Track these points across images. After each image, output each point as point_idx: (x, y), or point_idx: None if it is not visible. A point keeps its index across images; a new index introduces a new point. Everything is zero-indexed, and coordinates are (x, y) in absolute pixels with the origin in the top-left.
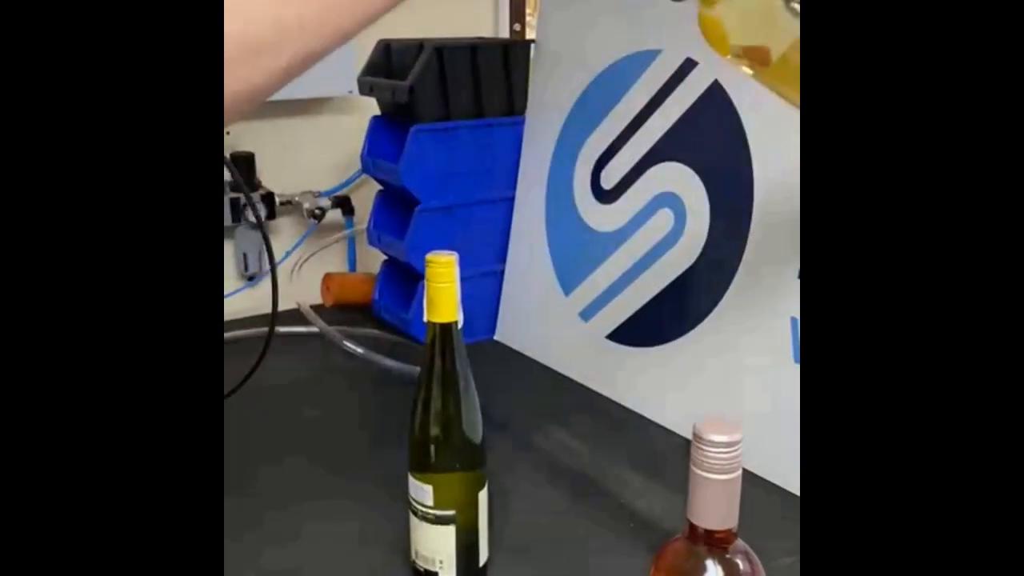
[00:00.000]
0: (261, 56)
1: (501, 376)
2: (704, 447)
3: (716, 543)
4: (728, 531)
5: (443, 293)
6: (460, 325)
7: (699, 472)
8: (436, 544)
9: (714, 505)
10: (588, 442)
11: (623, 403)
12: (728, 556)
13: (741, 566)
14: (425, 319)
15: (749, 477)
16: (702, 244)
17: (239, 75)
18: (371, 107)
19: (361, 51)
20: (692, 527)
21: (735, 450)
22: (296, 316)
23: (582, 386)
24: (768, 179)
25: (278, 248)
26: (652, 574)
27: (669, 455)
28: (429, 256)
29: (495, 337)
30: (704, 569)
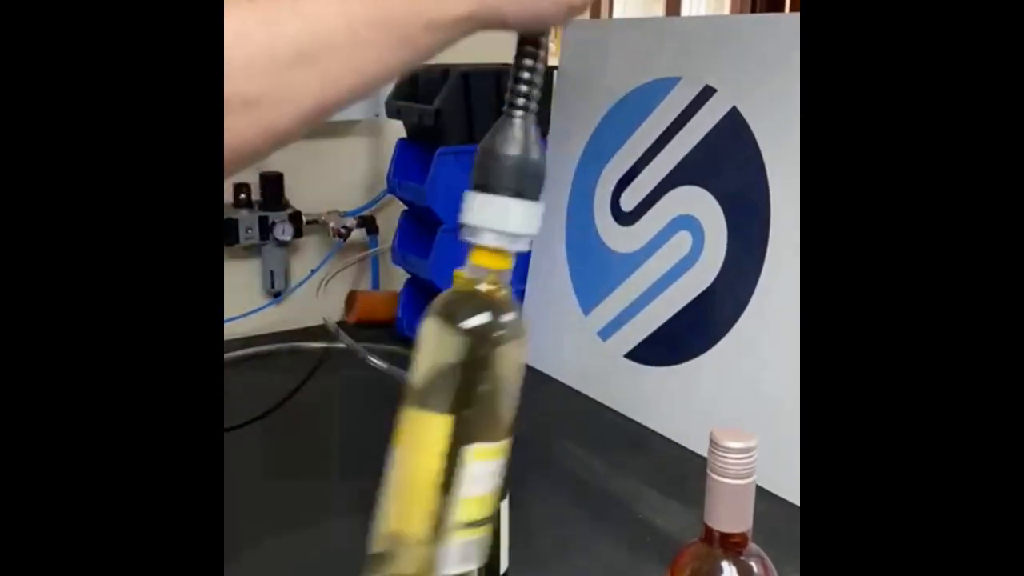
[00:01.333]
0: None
1: (521, 393)
2: (720, 453)
3: (731, 546)
4: (742, 534)
5: None
6: None
7: (715, 477)
8: None
9: (729, 508)
10: (606, 459)
11: (641, 421)
12: (743, 558)
13: (755, 568)
14: None
15: (766, 495)
16: (719, 266)
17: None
18: (397, 130)
19: None
20: (708, 530)
21: (750, 456)
22: (321, 332)
23: (600, 404)
24: (785, 203)
25: (304, 266)
26: (671, 571)
27: (687, 472)
28: (458, 272)
29: None
30: (720, 570)
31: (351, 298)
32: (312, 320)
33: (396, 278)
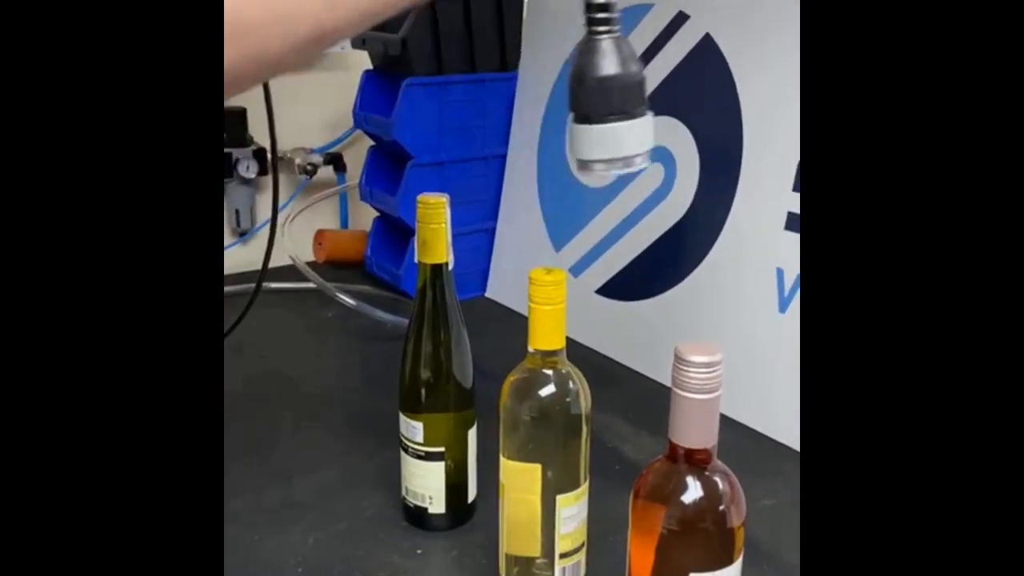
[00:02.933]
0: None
1: (492, 331)
2: (685, 367)
3: (696, 462)
4: (707, 450)
5: (434, 234)
6: (451, 267)
7: (679, 392)
8: (426, 480)
9: (693, 424)
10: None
11: (612, 356)
12: (707, 474)
13: (720, 484)
14: (416, 260)
15: (732, 424)
16: (691, 198)
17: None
18: (364, 64)
19: None
20: (673, 447)
21: (714, 371)
22: (289, 272)
23: (572, 340)
24: (758, 133)
25: (270, 205)
26: (634, 492)
27: (655, 404)
28: (420, 197)
29: (486, 294)
30: (684, 486)
31: (319, 237)
32: (280, 259)
33: (365, 218)
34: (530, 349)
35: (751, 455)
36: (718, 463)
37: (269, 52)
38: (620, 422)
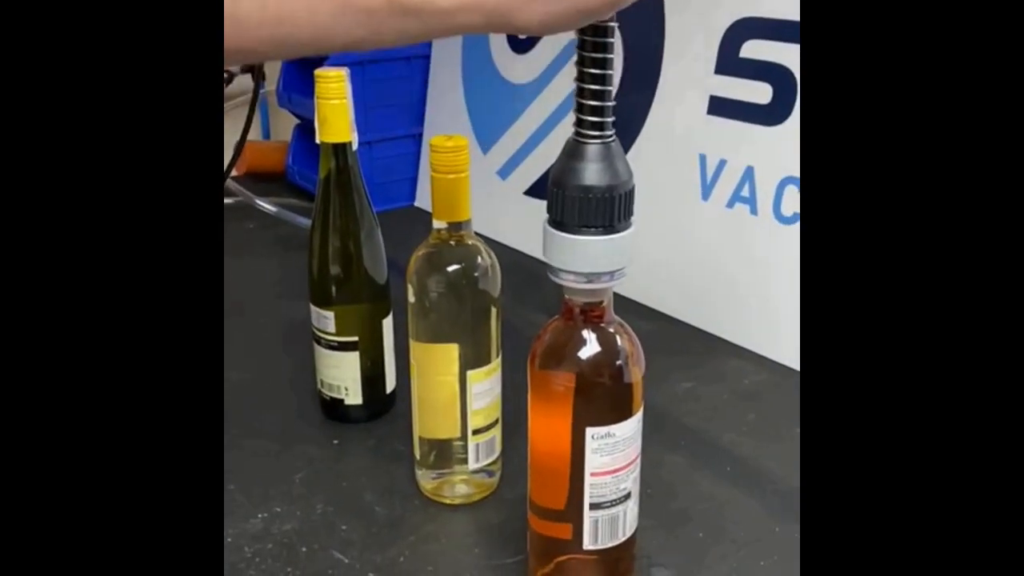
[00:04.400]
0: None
1: (420, 238)
2: None
3: (592, 319)
4: (601, 305)
5: (335, 110)
6: (355, 148)
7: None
8: (340, 371)
9: None
10: (504, 292)
11: (540, 257)
12: (603, 327)
13: (617, 339)
14: (318, 140)
15: (650, 312)
16: (615, 89)
17: None
18: None
19: None
20: (567, 305)
21: None
22: None
23: (501, 244)
24: (681, 14)
25: None
26: (531, 354)
27: None
28: (318, 72)
29: (416, 203)
30: (581, 342)
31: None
32: None
33: (285, 129)
34: (435, 224)
35: (672, 341)
36: (615, 318)
37: None
38: (543, 316)
